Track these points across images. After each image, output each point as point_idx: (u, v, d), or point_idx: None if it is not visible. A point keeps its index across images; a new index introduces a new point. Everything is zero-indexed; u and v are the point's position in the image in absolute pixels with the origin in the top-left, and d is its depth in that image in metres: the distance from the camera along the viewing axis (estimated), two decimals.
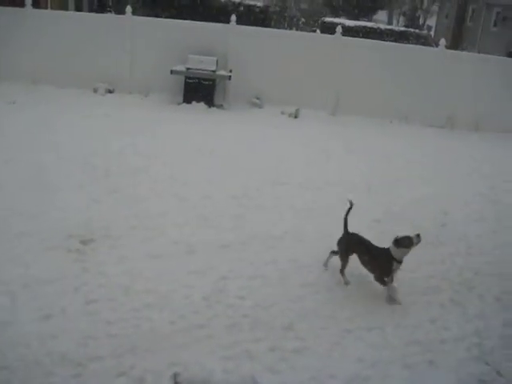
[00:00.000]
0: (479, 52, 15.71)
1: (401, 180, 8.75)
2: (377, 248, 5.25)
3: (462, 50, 19.75)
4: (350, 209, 5.47)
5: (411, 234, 5.03)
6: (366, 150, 10.22)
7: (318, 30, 19.83)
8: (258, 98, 12.72)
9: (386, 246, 5.13)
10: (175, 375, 3.88)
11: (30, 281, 5.00)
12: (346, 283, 5.36)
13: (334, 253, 5.54)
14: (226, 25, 12.73)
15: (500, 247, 6.62)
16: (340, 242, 5.48)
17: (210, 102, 12.25)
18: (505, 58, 15.76)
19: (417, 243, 4.99)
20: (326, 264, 5.61)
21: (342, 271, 5.40)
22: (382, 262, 5.12)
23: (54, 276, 5.11)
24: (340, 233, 5.50)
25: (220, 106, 12.47)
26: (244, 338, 4.43)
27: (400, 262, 5.06)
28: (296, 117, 12.32)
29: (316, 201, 7.49)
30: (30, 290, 4.89)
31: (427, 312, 5.02)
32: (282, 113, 12.40)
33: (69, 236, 5.82)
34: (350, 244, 5.40)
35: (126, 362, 4.06)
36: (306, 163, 9.07)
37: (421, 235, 4.99)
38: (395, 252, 5.04)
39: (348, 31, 15.84)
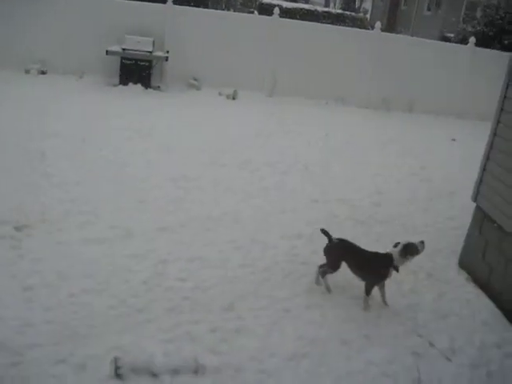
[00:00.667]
0: (413, 35, 16.07)
1: (336, 160, 8.96)
2: (372, 254, 4.91)
3: (397, 33, 20.17)
4: (326, 234, 5.02)
5: (415, 240, 4.82)
6: (302, 131, 10.39)
7: (255, 12, 19.83)
8: (195, 80, 12.64)
9: (380, 251, 4.90)
10: (116, 359, 3.86)
11: None
12: (328, 290, 5.05)
13: (322, 267, 5.07)
14: (164, 5, 12.56)
15: (431, 225, 6.90)
16: (328, 250, 5.03)
17: (146, 84, 12.09)
18: (437, 41, 16.23)
19: (422, 251, 4.79)
20: (317, 281, 5.13)
21: (323, 274, 5.05)
22: (378, 269, 4.81)
23: None
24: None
25: (157, 88, 12.33)
26: (184, 320, 4.44)
27: (398, 271, 4.80)
28: (234, 98, 12.34)
29: (253, 182, 7.58)
30: None
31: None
32: (220, 94, 12.39)
33: (2, 222, 5.66)
34: (340, 251, 4.99)
35: (65, 349, 4.00)
36: (243, 144, 9.14)
37: (424, 242, 4.81)
38: (398, 259, 4.75)
39: (285, 13, 15.99)
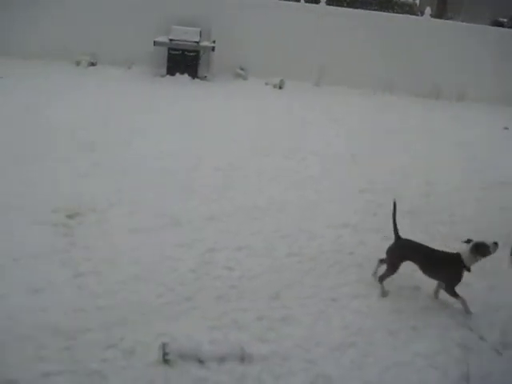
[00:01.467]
0: (463, 21, 15.64)
1: (383, 149, 8.83)
2: (441, 253, 4.70)
3: (447, 19, 19.65)
4: (395, 209, 4.84)
5: (488, 240, 4.53)
6: (349, 120, 10.28)
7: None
8: (242, 69, 12.65)
9: (451, 251, 4.71)
10: (164, 346, 3.94)
11: (18, 255, 5.01)
12: (384, 294, 4.85)
13: (382, 261, 4.95)
14: None
15: (482, 215, 6.73)
16: (391, 250, 4.84)
17: (193, 74, 12.17)
18: (488, 26, 15.73)
19: (493, 253, 4.52)
20: (375, 274, 5.01)
21: (383, 279, 4.86)
22: (450, 270, 4.62)
23: (42, 250, 5.12)
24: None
25: (204, 78, 12.39)
26: (231, 308, 4.48)
27: (469, 271, 4.57)
28: (280, 88, 12.30)
29: (299, 171, 7.56)
30: (19, 264, 4.91)
31: (412, 280, 5.06)
32: (267, 84, 12.36)
33: (55, 210, 5.83)
34: (404, 251, 4.79)
35: (115, 334, 4.10)
36: (290, 133, 9.11)
37: (498, 243, 4.53)
38: (468, 259, 4.52)
39: (332, 0, 15.73)
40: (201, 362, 3.89)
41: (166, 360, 3.87)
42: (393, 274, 4.83)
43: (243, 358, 3.94)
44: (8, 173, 6.66)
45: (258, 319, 4.40)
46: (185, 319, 4.32)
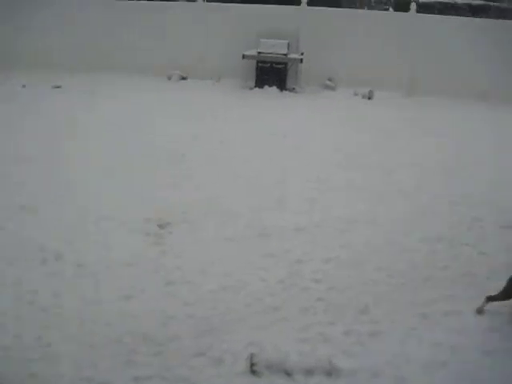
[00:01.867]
0: None
1: (480, 161, 8.45)
2: None
3: None
4: None
5: None
6: (440, 132, 9.92)
7: (390, 8, 19.35)
8: (330, 80, 12.59)
9: None
10: (252, 356, 3.94)
11: (112, 263, 5.22)
12: (480, 312, 4.48)
13: (489, 299, 4.46)
14: (297, 7, 12.63)
15: None
16: None
17: (282, 86, 12.24)
18: None
19: None
20: (480, 310, 4.52)
21: (491, 299, 4.45)
22: None
23: (134, 258, 5.30)
24: None
25: (292, 90, 12.43)
26: (319, 321, 4.41)
27: None
28: (370, 98, 12.13)
29: (389, 183, 7.37)
30: (112, 271, 5.10)
31: None
32: (355, 94, 12.22)
33: (147, 220, 6.02)
34: None
35: (204, 343, 4.14)
36: (378, 145, 8.93)
37: None
38: None
39: (422, 8, 15.35)
40: (288, 374, 3.85)
41: (253, 371, 3.86)
42: (504, 300, 4.46)
43: (331, 371, 3.85)
44: (101, 183, 6.97)
45: (345, 333, 4.29)
46: (272, 330, 4.30)
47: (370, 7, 27.86)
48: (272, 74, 12.19)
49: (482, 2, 21.11)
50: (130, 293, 4.76)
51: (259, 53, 12.12)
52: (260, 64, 12.23)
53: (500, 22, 13.90)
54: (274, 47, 12.09)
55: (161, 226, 5.89)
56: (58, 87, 12.21)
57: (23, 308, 4.63)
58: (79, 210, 6.32)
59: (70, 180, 7.16)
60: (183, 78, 12.95)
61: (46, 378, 3.86)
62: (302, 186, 7.08)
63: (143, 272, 5.09)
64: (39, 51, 13.46)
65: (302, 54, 12.39)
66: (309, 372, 3.84)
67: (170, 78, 12.82)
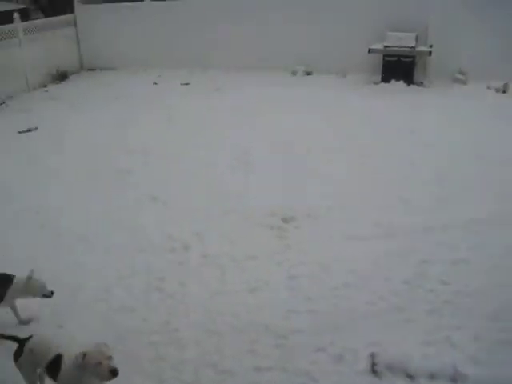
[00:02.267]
0: None
1: None
2: None
3: None
4: None
5: None
6: None
7: None
8: (462, 73, 11.98)
9: None
10: (373, 355, 3.90)
11: (237, 255, 5.39)
12: None
13: None
14: None
15: None
16: None
17: (409, 80, 11.85)
18: None
19: None
20: None
21: None
22: None
23: (258, 251, 5.43)
24: None
25: (420, 84, 11.99)
26: (445, 325, 4.27)
27: None
28: (504, 92, 11.38)
29: None
30: (237, 264, 5.27)
31: None
32: (488, 88, 11.53)
33: (271, 214, 6.12)
34: None
35: (325, 338, 4.17)
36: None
37: None
38: None
39: None
40: (410, 376, 3.78)
41: (374, 370, 3.83)
42: None
43: (456, 378, 3.74)
44: (226, 176, 7.26)
45: (473, 339, 4.11)
46: (396, 330, 4.22)
47: None
48: (399, 67, 11.82)
49: None
50: (254, 285, 4.90)
51: (386, 46, 11.80)
52: (386, 58, 11.90)
53: None
54: (402, 40, 11.72)
55: (285, 221, 5.97)
56: (187, 84, 12.72)
57: (152, 294, 4.93)
58: (207, 202, 6.59)
59: (202, 173, 7.49)
60: (308, 74, 12.97)
61: (173, 362, 4.09)
62: (429, 184, 6.81)
63: (267, 265, 5.20)
64: (169, 51, 14.17)
65: (431, 46, 11.90)
66: (432, 376, 3.75)
67: (294, 74, 12.89)
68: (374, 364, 3.86)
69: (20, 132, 9.82)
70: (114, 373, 3.19)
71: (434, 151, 7.89)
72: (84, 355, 3.22)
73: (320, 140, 8.41)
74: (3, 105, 11.90)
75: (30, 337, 3.68)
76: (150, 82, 13.10)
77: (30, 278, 4.34)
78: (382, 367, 3.84)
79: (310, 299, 4.65)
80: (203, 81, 12.82)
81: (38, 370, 3.69)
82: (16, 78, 12.67)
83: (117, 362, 3.27)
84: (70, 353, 3.37)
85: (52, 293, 4.36)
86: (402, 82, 11.75)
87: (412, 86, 11.75)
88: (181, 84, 12.71)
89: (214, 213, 6.31)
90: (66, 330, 4.50)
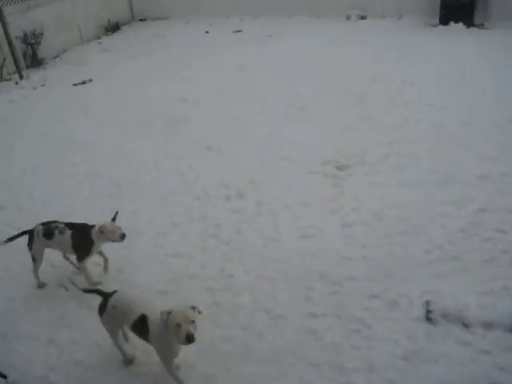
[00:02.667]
0: None
1: None
2: None
3: None
4: None
5: None
6: None
7: None
8: None
9: None
10: (428, 303, 3.89)
11: (291, 203, 5.40)
12: None
13: None
14: None
15: None
16: None
17: (469, 22, 11.30)
18: None
19: None
20: None
21: None
22: None
23: (312, 199, 5.43)
24: None
25: (481, 26, 11.41)
26: (503, 274, 4.18)
27: None
28: None
29: None
30: (291, 211, 5.29)
31: None
32: None
33: (325, 161, 6.08)
34: None
35: (379, 285, 4.17)
36: None
37: None
38: None
39: None
40: (465, 325, 3.75)
41: (428, 318, 3.82)
42: None
43: None
44: (278, 125, 7.20)
45: None
46: (451, 279, 4.17)
47: None
48: (458, 8, 11.27)
49: None
50: (308, 232, 4.92)
51: None
52: None
53: None
54: None
55: (339, 168, 5.93)
56: (239, 31, 12.57)
57: (208, 241, 5.03)
58: (259, 150, 6.59)
59: (255, 121, 7.47)
60: (362, 18, 12.56)
61: (228, 307, 4.19)
62: (488, 130, 6.55)
63: (321, 212, 5.20)
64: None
65: None
66: (488, 326, 3.71)
67: (348, 18, 12.51)
68: (428, 311, 3.85)
69: (75, 84, 9.99)
70: (188, 338, 3.14)
71: (493, 97, 7.54)
72: (168, 314, 3.22)
73: (373, 87, 8.20)
74: (57, 58, 12.09)
75: (115, 292, 3.71)
76: (202, 30, 13.00)
77: (113, 219, 4.43)
78: (437, 315, 3.83)
79: (365, 247, 4.64)
80: (255, 28, 12.60)
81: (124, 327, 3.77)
82: (70, 31, 12.81)
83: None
84: (155, 311, 3.35)
85: (124, 235, 4.36)
86: (461, 25, 11.21)
87: (472, 28, 11.21)
88: (233, 32, 12.57)
89: (268, 161, 6.32)
90: (125, 274, 4.67)
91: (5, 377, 3.72)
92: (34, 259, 4.58)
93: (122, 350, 3.78)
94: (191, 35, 12.65)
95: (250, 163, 6.30)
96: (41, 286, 4.64)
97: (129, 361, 3.79)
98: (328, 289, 4.24)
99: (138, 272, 4.67)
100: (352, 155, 6.17)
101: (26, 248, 4.55)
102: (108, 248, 4.61)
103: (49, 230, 4.49)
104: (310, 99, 7.92)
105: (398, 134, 6.61)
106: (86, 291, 3.95)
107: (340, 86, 8.30)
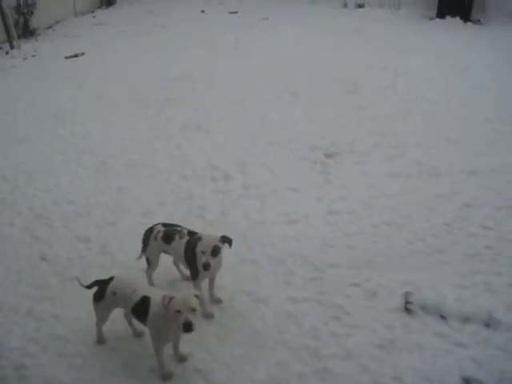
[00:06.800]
0: None
1: None
2: None
3: None
4: None
5: None
6: None
7: None
8: None
9: None
10: (407, 294, 3.91)
11: (278, 187, 5.41)
12: None
13: None
14: None
15: None
16: None
17: (465, 17, 11.26)
18: None
19: None
20: None
21: None
22: None
23: (299, 185, 5.44)
24: None
25: (477, 22, 11.37)
26: (484, 270, 4.20)
27: None
28: None
29: None
30: (278, 195, 5.29)
31: None
32: None
33: (314, 148, 6.07)
34: None
35: (361, 274, 4.19)
36: None
37: None
38: None
39: None
40: (443, 317, 3.77)
41: (407, 309, 3.84)
42: None
43: (489, 323, 3.71)
44: (270, 108, 7.15)
45: (511, 285, 4.05)
46: (433, 271, 4.19)
47: None
48: (456, 2, 11.23)
49: None
50: (293, 217, 4.93)
51: None
52: None
53: None
54: None
55: (328, 156, 5.93)
56: (235, 12, 12.47)
57: (194, 221, 4.98)
58: (251, 133, 6.57)
59: (247, 103, 7.44)
60: (360, 6, 12.46)
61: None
62: (480, 126, 6.56)
63: (307, 198, 5.21)
64: None
65: None
66: (466, 319, 3.72)
67: (345, 6, 12.42)
68: (407, 302, 3.86)
69: (67, 57, 9.87)
70: (185, 327, 3.10)
71: (485, 92, 7.56)
72: (170, 299, 3.16)
73: (366, 76, 8.17)
74: (50, 29, 11.93)
75: (112, 278, 3.63)
76: (198, 9, 12.88)
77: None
78: (415, 306, 3.84)
79: (349, 235, 4.67)
80: (251, 9, 12.53)
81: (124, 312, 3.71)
82: (64, 2, 12.66)
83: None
84: (158, 294, 3.30)
85: None
86: (457, 19, 11.18)
87: (468, 23, 11.17)
88: (229, 12, 12.48)
89: (257, 144, 6.31)
90: (109, 249, 4.66)
91: None
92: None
93: (101, 334, 3.76)
94: (187, 13, 12.55)
95: (239, 145, 6.29)
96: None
97: (101, 340, 3.74)
98: (310, 274, 4.25)
99: (123, 249, 4.65)
100: (341, 143, 6.17)
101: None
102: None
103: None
104: (302, 84, 7.89)
105: (389, 125, 6.62)
106: (88, 287, 3.74)
107: (333, 73, 8.25)
